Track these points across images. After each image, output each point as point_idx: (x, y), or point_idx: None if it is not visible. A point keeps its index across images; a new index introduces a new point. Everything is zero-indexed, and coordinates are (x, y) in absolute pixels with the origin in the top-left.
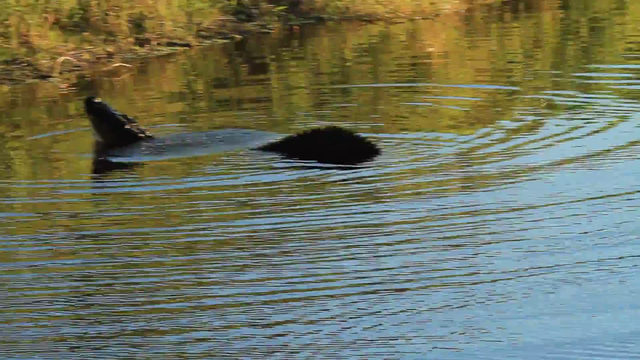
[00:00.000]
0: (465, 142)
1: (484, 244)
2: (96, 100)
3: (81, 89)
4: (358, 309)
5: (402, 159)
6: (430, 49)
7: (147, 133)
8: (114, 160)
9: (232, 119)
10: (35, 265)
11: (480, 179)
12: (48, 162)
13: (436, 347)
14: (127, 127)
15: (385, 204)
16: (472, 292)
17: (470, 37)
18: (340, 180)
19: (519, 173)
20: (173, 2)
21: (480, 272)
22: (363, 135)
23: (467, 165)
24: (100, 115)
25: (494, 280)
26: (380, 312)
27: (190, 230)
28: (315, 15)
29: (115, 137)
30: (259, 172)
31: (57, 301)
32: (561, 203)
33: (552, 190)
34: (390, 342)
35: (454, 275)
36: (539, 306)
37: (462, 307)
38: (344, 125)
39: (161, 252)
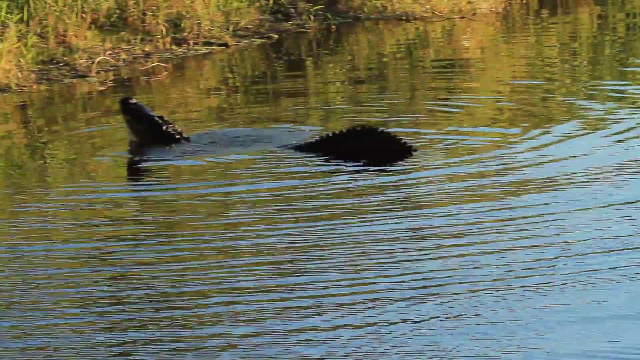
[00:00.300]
0: (503, 139)
1: (523, 247)
2: (132, 101)
3: (118, 89)
4: (399, 313)
5: (440, 158)
6: (468, 48)
7: (184, 135)
8: (151, 162)
9: (269, 116)
10: (72, 270)
11: (520, 181)
12: (84, 163)
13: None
14: (164, 128)
15: (425, 207)
16: (509, 295)
17: (508, 36)
18: (377, 183)
19: (559, 175)
20: (210, 2)
21: (520, 276)
22: (399, 134)
23: (506, 165)
24: (136, 116)
25: (539, 284)
26: (423, 316)
27: (227, 234)
28: (353, 15)
29: (152, 138)
30: (295, 175)
31: (94, 305)
32: (604, 206)
33: (593, 193)
34: (436, 344)
35: (496, 280)
36: (580, 310)
37: (498, 311)
38: (382, 121)
39: (198, 257)
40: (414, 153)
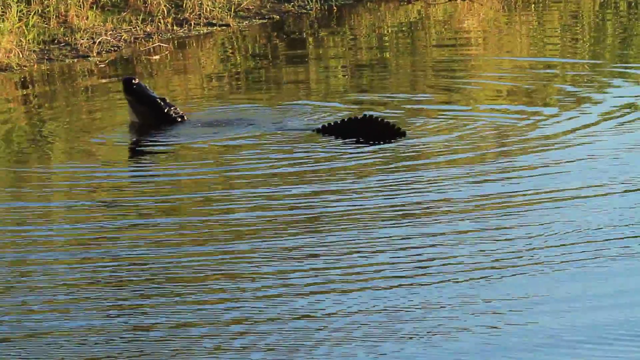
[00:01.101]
0: (501, 118)
1: (516, 236)
2: (134, 81)
3: (119, 69)
4: (395, 297)
5: (441, 137)
6: (470, 29)
7: (185, 117)
8: (151, 143)
9: (269, 96)
10: (71, 255)
11: (518, 159)
12: (84, 144)
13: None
14: (165, 110)
15: (420, 183)
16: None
17: (510, 17)
18: (375, 162)
19: (557, 157)
20: None
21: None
22: (391, 119)
23: (504, 142)
24: (138, 97)
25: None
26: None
27: (226, 217)
28: None
29: (153, 119)
30: (295, 159)
31: (91, 288)
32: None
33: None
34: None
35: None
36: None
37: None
38: (382, 101)
39: (197, 240)
40: (404, 136)
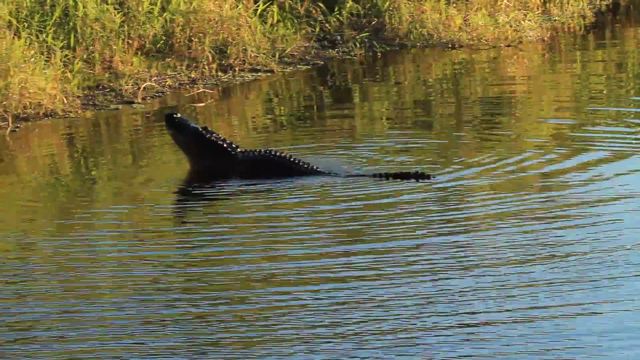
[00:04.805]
0: (546, 168)
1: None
2: (176, 115)
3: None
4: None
5: (485, 186)
6: (514, 76)
7: (227, 141)
8: (198, 195)
9: (315, 139)
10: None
11: (560, 207)
12: (131, 192)
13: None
14: (207, 137)
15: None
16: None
17: (554, 64)
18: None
19: (606, 203)
20: (257, 29)
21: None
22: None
23: (548, 189)
24: (180, 129)
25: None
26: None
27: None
28: (399, 42)
29: (198, 149)
30: (333, 205)
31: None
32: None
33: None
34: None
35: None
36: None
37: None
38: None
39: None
40: (429, 178)
